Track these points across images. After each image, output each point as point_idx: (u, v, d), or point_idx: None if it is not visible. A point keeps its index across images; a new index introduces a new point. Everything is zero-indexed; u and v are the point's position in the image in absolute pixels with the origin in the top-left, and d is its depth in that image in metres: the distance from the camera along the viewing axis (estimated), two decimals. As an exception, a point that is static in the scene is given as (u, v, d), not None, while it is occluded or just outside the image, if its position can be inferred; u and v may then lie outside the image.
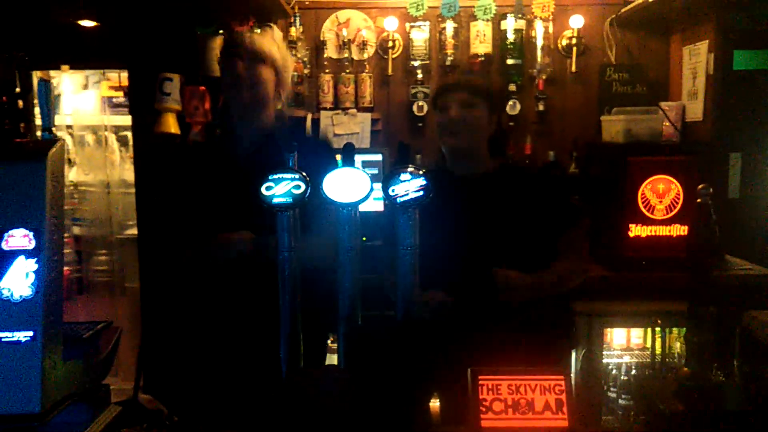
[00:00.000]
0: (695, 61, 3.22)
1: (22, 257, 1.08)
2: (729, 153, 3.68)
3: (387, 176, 1.40)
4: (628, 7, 3.29)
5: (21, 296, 1.08)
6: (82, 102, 4.13)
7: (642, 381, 3.04)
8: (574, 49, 3.41)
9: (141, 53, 2.96)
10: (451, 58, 3.41)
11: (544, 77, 3.43)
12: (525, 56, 3.43)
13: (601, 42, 3.48)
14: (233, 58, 1.91)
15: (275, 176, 1.33)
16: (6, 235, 1.09)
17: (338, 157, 1.74)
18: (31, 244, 1.09)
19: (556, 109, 3.51)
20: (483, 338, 1.73)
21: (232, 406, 1.43)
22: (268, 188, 1.32)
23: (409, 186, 1.38)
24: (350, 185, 1.37)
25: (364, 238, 2.53)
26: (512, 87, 3.41)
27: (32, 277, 1.08)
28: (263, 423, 1.29)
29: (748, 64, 4.19)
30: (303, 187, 1.34)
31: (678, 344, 2.96)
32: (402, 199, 1.37)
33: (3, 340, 1.07)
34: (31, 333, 1.09)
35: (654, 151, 3.04)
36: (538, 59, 3.41)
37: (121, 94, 4.12)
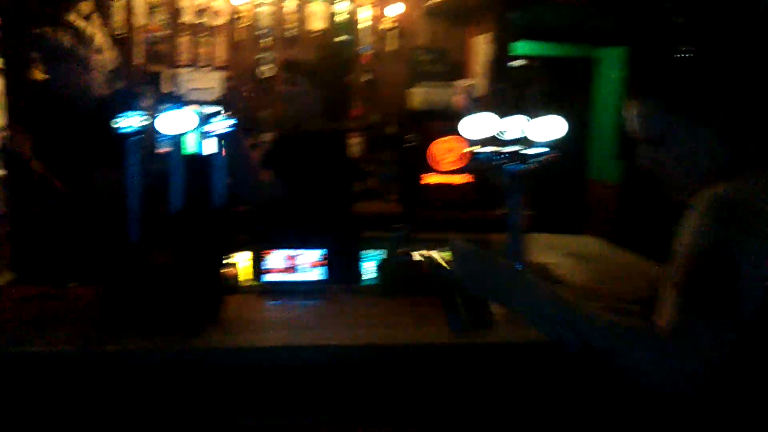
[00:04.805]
0: (482, 48, 4.12)
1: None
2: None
3: (206, 116, 2.07)
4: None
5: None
6: None
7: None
8: (394, 31, 4.19)
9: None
10: (292, 32, 4.09)
11: (369, 53, 4.19)
12: (354, 34, 4.17)
13: (415, 27, 4.29)
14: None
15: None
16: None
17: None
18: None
19: (379, 80, 4.30)
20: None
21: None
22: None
23: (222, 124, 2.07)
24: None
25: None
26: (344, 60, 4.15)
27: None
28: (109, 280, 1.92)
29: (522, 52, 5.20)
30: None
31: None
32: (215, 132, 2.06)
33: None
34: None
35: (445, 117, 3.92)
36: (365, 38, 4.16)
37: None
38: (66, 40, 2.43)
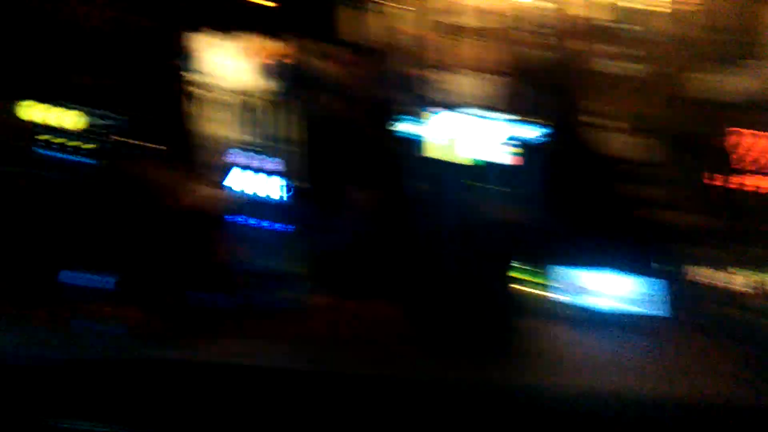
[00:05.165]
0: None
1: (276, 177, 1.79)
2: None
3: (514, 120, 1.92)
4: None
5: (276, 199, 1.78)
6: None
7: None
8: (671, 10, 3.65)
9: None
10: (552, 20, 3.78)
11: (643, 36, 3.71)
12: (626, 19, 3.73)
13: (697, 4, 3.67)
14: None
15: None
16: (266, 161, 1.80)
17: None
18: (281, 168, 1.79)
19: (658, 68, 3.77)
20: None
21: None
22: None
23: (525, 131, 1.92)
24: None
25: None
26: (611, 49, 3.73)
27: (284, 189, 1.78)
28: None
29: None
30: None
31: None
32: (505, 139, 1.91)
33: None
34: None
35: (745, 108, 3.27)
36: (637, 19, 3.70)
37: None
38: (334, 64, 2.51)
